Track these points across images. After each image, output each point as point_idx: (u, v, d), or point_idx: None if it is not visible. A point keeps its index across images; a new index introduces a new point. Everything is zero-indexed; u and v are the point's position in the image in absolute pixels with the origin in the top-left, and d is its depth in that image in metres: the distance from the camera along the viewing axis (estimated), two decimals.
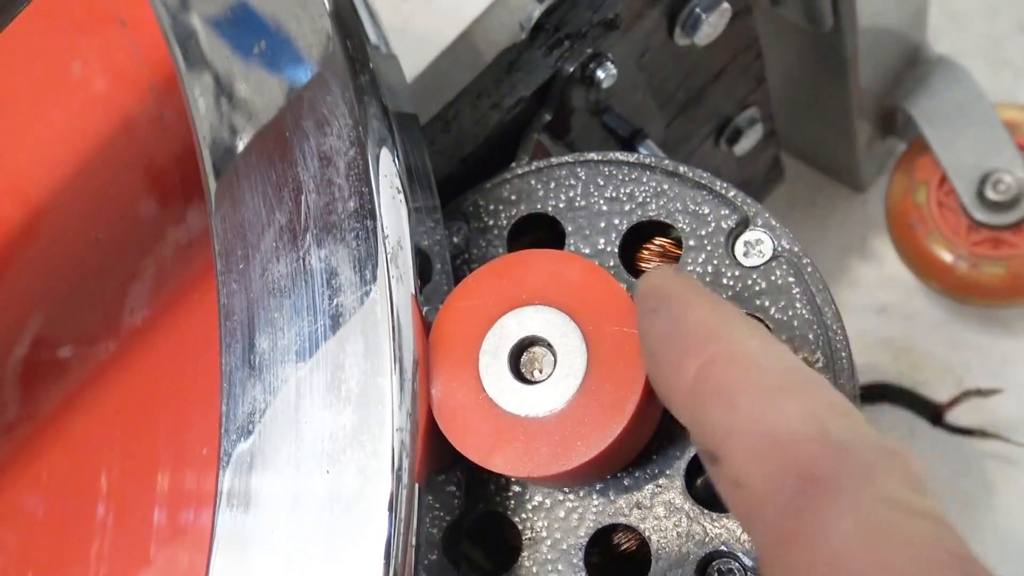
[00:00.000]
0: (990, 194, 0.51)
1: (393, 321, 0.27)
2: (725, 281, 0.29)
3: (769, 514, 0.20)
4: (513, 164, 0.33)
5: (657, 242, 0.32)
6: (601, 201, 0.31)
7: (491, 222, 0.32)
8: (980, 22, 0.61)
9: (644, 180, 0.31)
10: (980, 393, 0.51)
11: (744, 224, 0.30)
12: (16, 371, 0.36)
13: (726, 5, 0.36)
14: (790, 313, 0.29)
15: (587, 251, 0.31)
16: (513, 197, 0.32)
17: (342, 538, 0.26)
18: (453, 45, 0.39)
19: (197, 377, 0.32)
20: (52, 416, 0.35)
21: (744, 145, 0.45)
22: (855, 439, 0.20)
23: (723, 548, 0.27)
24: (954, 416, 0.52)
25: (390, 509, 0.25)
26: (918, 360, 0.56)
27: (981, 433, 0.52)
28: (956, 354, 0.56)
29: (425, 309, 0.28)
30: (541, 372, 0.27)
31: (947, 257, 0.52)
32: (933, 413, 0.52)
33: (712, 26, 0.36)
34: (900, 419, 0.54)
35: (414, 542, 0.26)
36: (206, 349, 0.30)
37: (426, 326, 0.28)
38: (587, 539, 0.28)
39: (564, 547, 0.28)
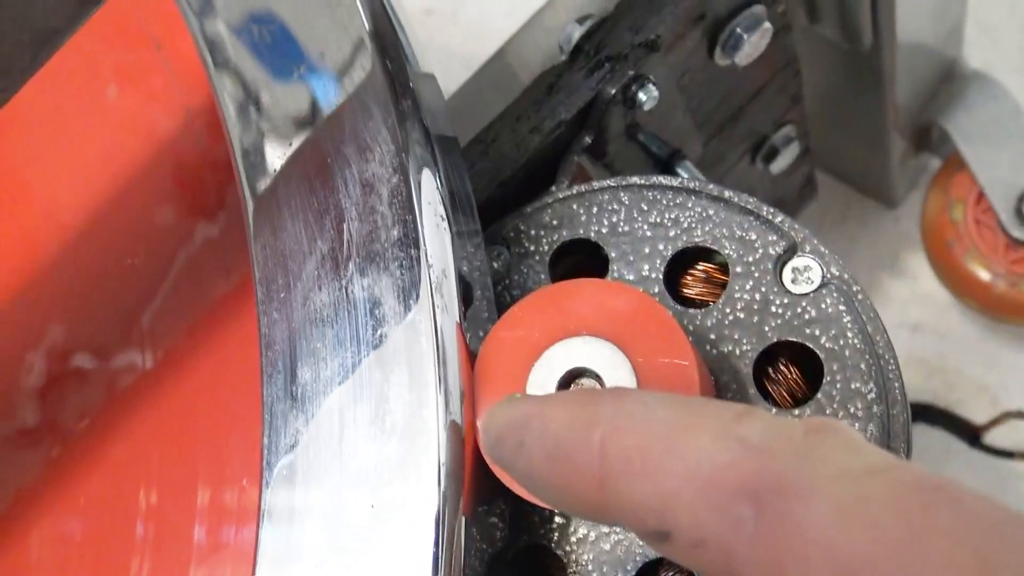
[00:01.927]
0: None
1: (438, 352, 0.26)
2: (774, 309, 0.29)
3: (744, 553, 0.19)
4: (553, 188, 0.33)
5: (701, 267, 0.31)
6: (645, 226, 0.31)
7: (532, 247, 0.32)
8: (1015, 36, 0.60)
9: (689, 205, 0.30)
10: (1021, 415, 0.50)
11: (792, 250, 0.29)
12: (50, 391, 0.35)
13: (767, 24, 0.36)
14: (841, 343, 0.28)
15: (631, 277, 0.30)
16: (555, 222, 0.32)
17: (388, 573, 0.25)
18: (487, 66, 0.39)
19: (235, 393, 0.31)
20: (90, 436, 0.34)
21: (780, 163, 0.44)
22: (776, 436, 0.20)
23: None
24: (990, 437, 0.52)
25: (435, 543, 0.25)
26: (953, 379, 0.55)
27: (1021, 455, 0.51)
28: (991, 373, 0.55)
29: (467, 336, 0.28)
30: None
31: (985, 276, 0.51)
32: (971, 434, 0.52)
33: (753, 46, 0.36)
34: (935, 439, 0.53)
35: (459, 575, 0.26)
36: (244, 366, 0.30)
37: (471, 355, 0.27)
38: (634, 574, 0.28)
39: None
